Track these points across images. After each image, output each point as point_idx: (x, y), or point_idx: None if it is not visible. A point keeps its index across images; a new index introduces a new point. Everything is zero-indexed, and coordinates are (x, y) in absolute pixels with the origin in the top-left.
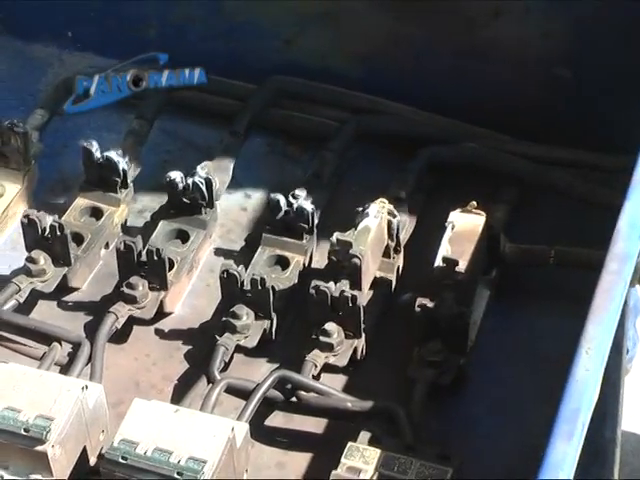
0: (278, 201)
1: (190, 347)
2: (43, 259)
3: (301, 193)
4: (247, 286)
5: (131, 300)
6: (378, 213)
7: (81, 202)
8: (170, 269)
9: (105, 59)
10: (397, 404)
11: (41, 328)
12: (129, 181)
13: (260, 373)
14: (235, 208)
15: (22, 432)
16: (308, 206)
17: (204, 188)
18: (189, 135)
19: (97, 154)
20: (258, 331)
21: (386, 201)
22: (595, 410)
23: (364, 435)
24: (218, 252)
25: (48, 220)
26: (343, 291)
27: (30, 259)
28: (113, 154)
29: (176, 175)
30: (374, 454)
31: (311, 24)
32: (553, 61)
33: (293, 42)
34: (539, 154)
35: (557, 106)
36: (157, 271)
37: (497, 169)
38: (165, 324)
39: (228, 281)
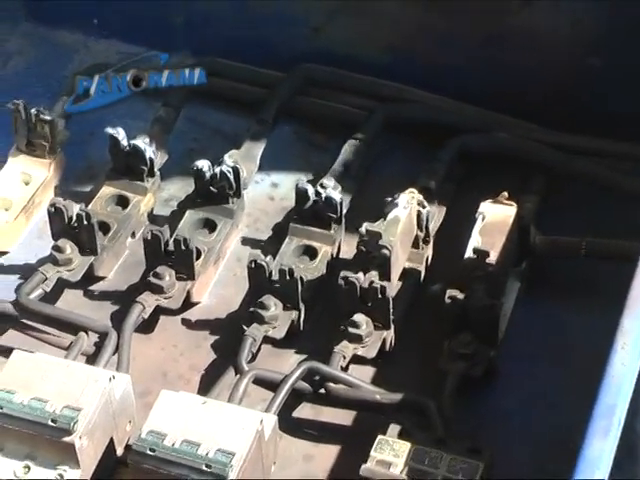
0: (306, 190)
1: (217, 337)
2: (69, 248)
3: (329, 182)
4: (275, 276)
5: (158, 290)
6: (408, 203)
7: (107, 190)
8: (197, 259)
9: (131, 46)
10: (428, 397)
11: (68, 317)
12: (156, 169)
13: (288, 364)
14: (262, 197)
15: (49, 423)
16: (336, 196)
17: (232, 177)
18: (216, 123)
19: (124, 142)
20: (286, 322)
21: (415, 191)
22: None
23: (394, 428)
24: (245, 242)
25: (75, 209)
26: (372, 282)
27: (56, 248)
28: (140, 142)
29: (203, 164)
30: (404, 447)
31: (339, 12)
32: (583, 50)
33: (321, 30)
34: (568, 143)
35: (585, 95)
36: (184, 261)
37: (527, 158)
38: (192, 314)
39: (256, 271)
